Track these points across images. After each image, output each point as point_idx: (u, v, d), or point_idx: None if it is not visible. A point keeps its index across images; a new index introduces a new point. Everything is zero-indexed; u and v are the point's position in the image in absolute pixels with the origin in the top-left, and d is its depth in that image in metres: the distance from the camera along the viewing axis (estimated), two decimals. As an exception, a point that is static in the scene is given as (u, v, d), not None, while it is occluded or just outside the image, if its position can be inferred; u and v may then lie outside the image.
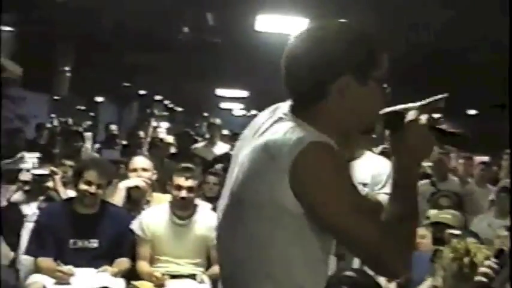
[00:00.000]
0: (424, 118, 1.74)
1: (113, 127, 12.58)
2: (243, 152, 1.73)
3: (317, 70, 1.68)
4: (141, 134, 10.64)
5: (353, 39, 1.70)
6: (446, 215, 4.79)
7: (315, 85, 1.68)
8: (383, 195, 4.54)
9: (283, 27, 7.89)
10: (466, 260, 2.87)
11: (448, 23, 7.74)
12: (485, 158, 9.18)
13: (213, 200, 5.52)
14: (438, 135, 1.76)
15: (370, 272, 2.76)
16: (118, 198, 4.71)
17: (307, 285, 1.68)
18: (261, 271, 1.67)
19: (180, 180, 4.47)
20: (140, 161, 5.08)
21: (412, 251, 1.70)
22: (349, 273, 3.28)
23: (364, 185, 4.59)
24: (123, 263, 4.37)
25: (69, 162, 5.89)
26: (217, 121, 9.09)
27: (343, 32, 1.72)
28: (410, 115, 1.74)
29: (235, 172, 1.73)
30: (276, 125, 1.71)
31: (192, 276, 4.42)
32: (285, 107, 1.78)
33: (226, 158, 7.55)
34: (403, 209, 1.66)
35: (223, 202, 1.78)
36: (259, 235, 1.66)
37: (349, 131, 1.78)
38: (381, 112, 1.76)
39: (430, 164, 9.75)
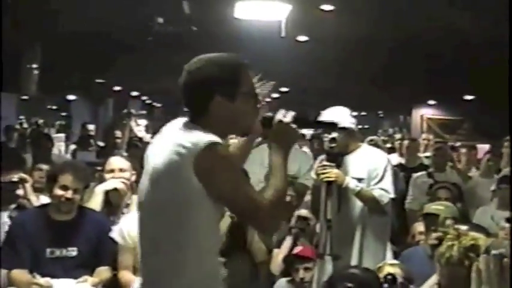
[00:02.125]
0: (287, 118, 2.59)
1: (90, 127, 12.50)
2: (156, 154, 2.46)
3: (196, 94, 2.49)
4: (118, 133, 10.56)
5: (218, 68, 2.47)
6: (439, 206, 4.78)
7: (198, 104, 2.49)
8: (379, 191, 4.61)
9: (263, 13, 7.87)
10: (456, 245, 2.90)
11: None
12: (487, 147, 9.20)
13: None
14: (299, 123, 2.64)
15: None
16: (95, 203, 4.66)
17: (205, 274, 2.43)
18: (173, 254, 2.40)
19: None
20: (117, 161, 5.01)
21: (280, 213, 2.64)
22: (352, 270, 3.61)
23: (360, 180, 4.61)
24: (104, 272, 4.31)
25: (45, 167, 5.84)
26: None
27: (210, 64, 2.49)
28: (277, 117, 2.59)
29: (149, 172, 2.49)
30: (181, 131, 2.45)
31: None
32: (184, 119, 2.54)
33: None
34: (274, 182, 2.47)
35: (140, 199, 2.56)
36: (171, 222, 2.38)
37: (232, 133, 2.80)
38: (261, 116, 2.63)
39: (427, 154, 9.79)
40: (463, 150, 8.42)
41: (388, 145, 10.55)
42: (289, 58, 11.42)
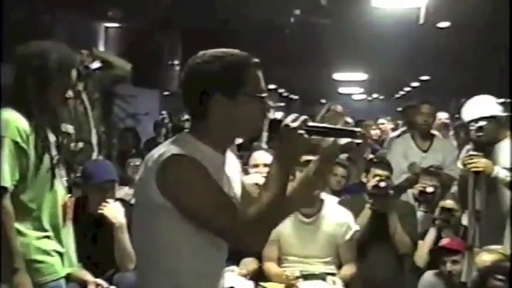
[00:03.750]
0: (295, 123, 2.24)
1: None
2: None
3: (195, 90, 2.26)
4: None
5: (220, 63, 2.24)
6: None
7: (196, 102, 2.25)
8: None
9: (401, 1, 7.75)
10: None
11: None
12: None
13: (339, 193, 5.48)
14: (312, 131, 2.29)
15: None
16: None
17: (190, 270, 2.23)
18: (150, 260, 2.25)
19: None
20: (262, 156, 5.06)
21: (265, 229, 2.21)
22: (504, 263, 3.56)
23: (510, 169, 4.45)
24: (251, 263, 4.40)
25: None
26: (339, 108, 9.00)
27: (213, 60, 2.26)
28: (286, 121, 2.26)
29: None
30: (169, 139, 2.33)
31: (323, 276, 4.41)
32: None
33: (351, 148, 7.47)
34: (266, 194, 2.19)
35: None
36: (147, 229, 2.23)
37: (236, 137, 2.43)
38: (268, 119, 2.31)
39: None
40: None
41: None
42: (429, 45, 11.19)
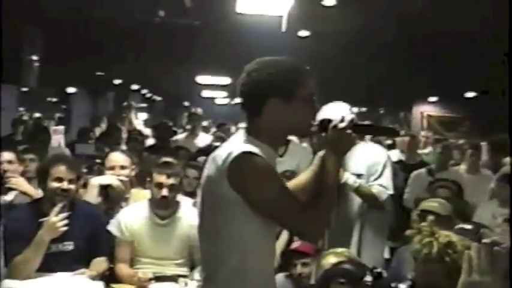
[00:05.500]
0: (343, 124, 2.54)
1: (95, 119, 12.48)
2: (207, 165, 2.52)
3: (252, 94, 2.51)
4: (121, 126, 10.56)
5: (276, 70, 2.49)
6: (434, 203, 4.76)
7: (253, 105, 2.52)
8: (377, 187, 4.59)
9: (266, 8, 7.86)
10: (435, 242, 2.89)
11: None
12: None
13: (192, 194, 5.47)
14: (358, 129, 2.59)
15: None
16: (90, 195, 4.64)
17: (253, 264, 2.44)
18: (221, 248, 2.43)
19: (161, 178, 4.42)
20: (118, 158, 4.99)
21: (325, 221, 2.56)
22: (345, 266, 3.67)
23: (359, 175, 4.59)
24: (101, 263, 4.28)
25: (30, 156, 5.78)
26: (199, 111, 9.10)
27: (269, 66, 2.50)
28: (334, 122, 2.55)
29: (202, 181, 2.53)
30: (230, 139, 2.60)
31: (175, 278, 4.39)
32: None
33: (210, 150, 7.51)
34: (323, 189, 2.51)
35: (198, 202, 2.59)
36: (217, 226, 2.42)
37: (288, 136, 2.90)
38: (318, 119, 2.59)
39: (426, 151, 9.77)
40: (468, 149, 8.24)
41: (389, 141, 10.55)
42: (289, 53, 11.40)
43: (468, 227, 4.58)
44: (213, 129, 12.84)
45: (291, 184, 2.73)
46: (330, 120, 2.57)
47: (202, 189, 2.53)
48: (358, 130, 2.61)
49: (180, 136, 9.25)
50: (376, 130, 3.02)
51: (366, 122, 2.76)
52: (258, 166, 2.37)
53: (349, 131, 2.55)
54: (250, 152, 2.37)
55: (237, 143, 2.46)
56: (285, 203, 2.41)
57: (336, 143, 2.56)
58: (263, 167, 2.39)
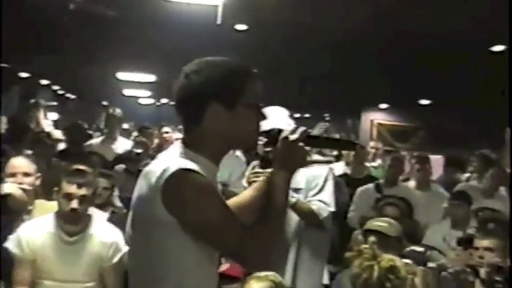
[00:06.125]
0: (295, 135, 2.48)
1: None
2: (139, 182, 2.43)
3: (191, 98, 2.42)
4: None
5: (219, 72, 2.42)
6: (382, 223, 4.82)
7: (192, 111, 2.42)
8: (317, 203, 4.62)
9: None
10: (376, 266, 2.94)
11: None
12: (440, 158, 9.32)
13: (104, 207, 5.41)
14: (311, 142, 2.54)
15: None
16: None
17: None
18: (155, 275, 2.35)
19: (71, 188, 4.37)
20: (21, 164, 4.93)
21: (272, 247, 2.41)
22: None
23: (297, 190, 4.61)
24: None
25: None
26: (117, 111, 8.99)
27: (211, 67, 2.43)
28: (284, 133, 2.49)
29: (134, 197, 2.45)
30: (165, 152, 2.51)
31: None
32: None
33: (130, 158, 7.44)
34: (270, 209, 2.41)
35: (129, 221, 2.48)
36: (150, 246, 2.35)
37: (232, 149, 2.66)
38: (264, 130, 2.51)
39: (374, 164, 9.89)
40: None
41: (335, 152, 10.63)
42: (228, 48, 11.42)
43: (420, 249, 4.66)
44: (135, 134, 12.72)
45: (232, 203, 2.66)
46: (280, 131, 2.53)
47: (133, 209, 2.45)
48: (311, 143, 2.58)
49: (96, 140, 9.15)
50: (331, 143, 2.96)
51: (321, 134, 2.70)
52: (196, 185, 2.29)
53: (301, 144, 2.50)
54: (188, 169, 2.29)
55: (173, 158, 2.37)
56: (227, 227, 2.32)
57: (287, 157, 2.50)
58: (203, 186, 2.30)
